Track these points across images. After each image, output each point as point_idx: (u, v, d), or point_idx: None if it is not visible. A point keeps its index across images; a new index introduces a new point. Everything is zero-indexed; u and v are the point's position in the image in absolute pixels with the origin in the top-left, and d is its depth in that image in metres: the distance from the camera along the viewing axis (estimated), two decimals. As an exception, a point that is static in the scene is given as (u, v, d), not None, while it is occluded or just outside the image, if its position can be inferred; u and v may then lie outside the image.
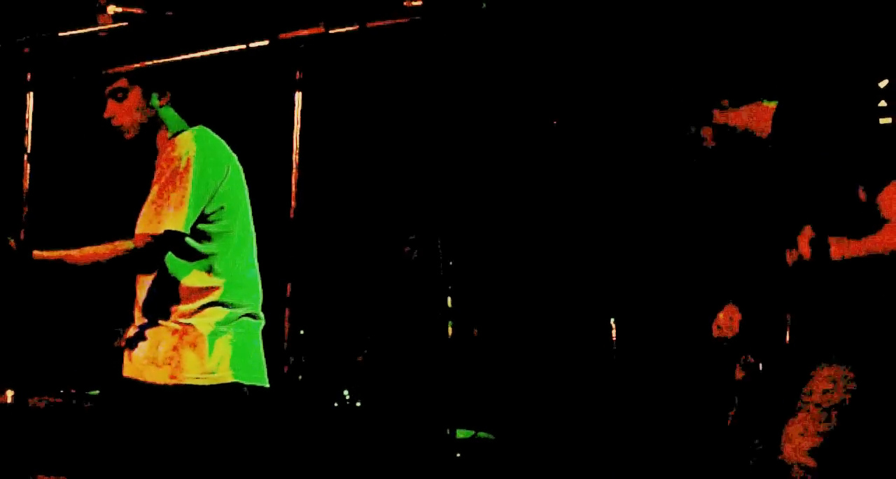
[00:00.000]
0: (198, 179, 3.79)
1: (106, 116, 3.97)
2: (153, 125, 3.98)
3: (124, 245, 3.81)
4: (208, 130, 4.01)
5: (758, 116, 3.84)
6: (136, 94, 3.97)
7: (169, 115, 3.99)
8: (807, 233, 3.53)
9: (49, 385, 4.92)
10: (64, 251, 3.78)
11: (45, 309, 3.78)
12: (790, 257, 3.56)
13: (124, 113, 3.96)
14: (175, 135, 3.95)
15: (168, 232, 3.75)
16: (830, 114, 3.68)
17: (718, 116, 3.86)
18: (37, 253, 3.66)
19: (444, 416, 5.53)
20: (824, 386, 3.68)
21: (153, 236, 3.77)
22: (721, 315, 4.01)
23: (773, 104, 3.86)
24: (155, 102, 3.97)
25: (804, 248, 3.51)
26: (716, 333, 4.01)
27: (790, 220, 3.69)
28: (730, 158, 3.90)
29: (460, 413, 5.69)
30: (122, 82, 3.96)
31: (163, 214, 3.76)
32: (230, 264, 3.91)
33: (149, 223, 3.78)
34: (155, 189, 3.81)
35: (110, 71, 3.86)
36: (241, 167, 4.02)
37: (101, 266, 3.78)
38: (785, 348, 3.73)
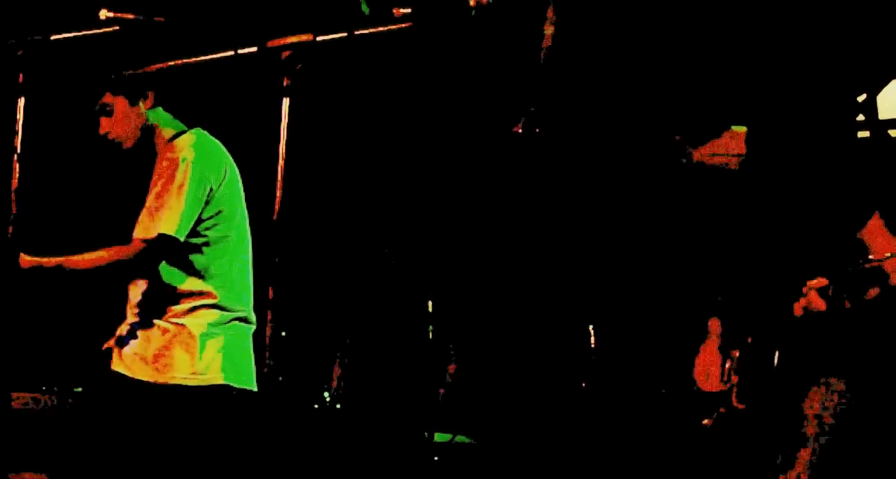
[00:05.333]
0: (195, 184, 3.81)
1: (101, 132, 4.00)
2: (147, 129, 4.01)
3: (121, 250, 3.83)
4: (206, 133, 4.03)
5: (728, 147, 3.85)
6: (122, 103, 3.99)
7: (160, 115, 4.01)
8: (819, 283, 3.43)
9: (33, 382, 4.94)
10: (61, 258, 3.81)
11: (32, 305, 3.80)
12: (798, 307, 3.45)
13: (117, 125, 3.99)
14: (174, 137, 3.97)
15: (161, 236, 3.77)
16: (805, 131, 3.72)
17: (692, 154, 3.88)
18: (31, 259, 3.68)
19: (422, 419, 5.57)
20: (817, 403, 3.67)
21: (146, 241, 3.80)
22: (699, 368, 4.01)
23: (742, 129, 3.87)
24: (142, 106, 3.99)
25: (817, 300, 3.42)
26: (701, 385, 4.02)
27: (767, 239, 3.70)
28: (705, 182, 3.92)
29: (439, 417, 5.72)
30: (107, 97, 3.99)
31: (158, 219, 3.78)
32: (225, 267, 3.93)
33: (144, 229, 3.80)
34: (152, 194, 3.83)
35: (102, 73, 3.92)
36: (238, 171, 4.04)
37: (99, 270, 3.81)
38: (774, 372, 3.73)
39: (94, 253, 3.81)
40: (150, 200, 3.82)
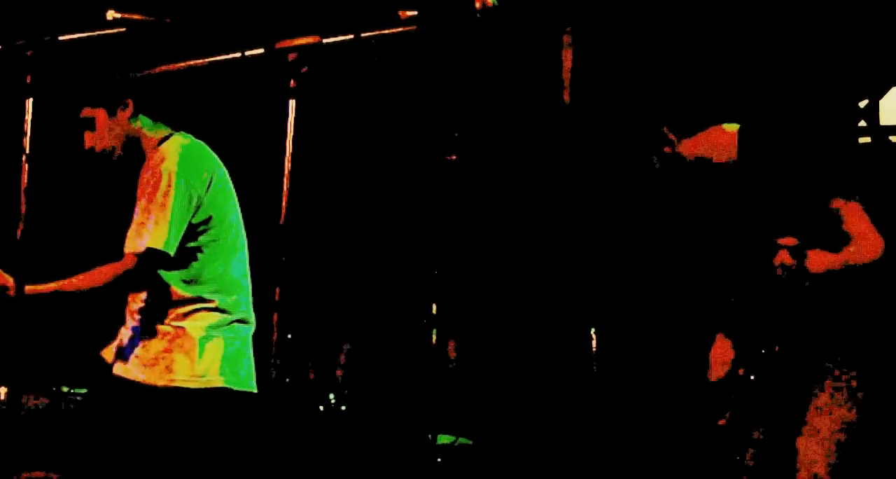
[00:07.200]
0: (180, 195, 3.82)
1: (87, 147, 4.01)
2: (132, 137, 4.02)
3: (114, 267, 3.85)
4: (191, 138, 4.03)
5: (715, 141, 3.89)
6: (101, 116, 4.00)
7: (143, 122, 4.02)
8: (789, 241, 3.64)
9: (41, 383, 4.96)
10: (57, 283, 3.84)
11: (37, 307, 3.82)
12: (776, 260, 3.66)
13: (100, 138, 4.00)
14: (159, 143, 3.98)
15: (150, 250, 3.79)
16: (800, 132, 3.77)
17: (666, 148, 3.94)
18: (29, 288, 3.66)
19: (425, 421, 5.58)
20: (826, 399, 3.73)
21: (137, 255, 3.82)
22: (714, 352, 4.04)
23: (733, 127, 3.90)
24: (122, 115, 4.00)
25: (785, 256, 3.63)
26: (713, 375, 4.05)
27: (764, 233, 3.75)
28: (693, 178, 3.97)
29: (442, 419, 5.74)
30: (86, 111, 4.00)
31: (145, 234, 3.80)
32: (221, 270, 3.95)
33: (133, 243, 3.82)
34: (139, 208, 3.85)
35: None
36: (227, 172, 4.04)
37: (97, 290, 3.84)
38: (780, 361, 3.78)
39: (89, 273, 3.84)
40: (138, 213, 3.84)
